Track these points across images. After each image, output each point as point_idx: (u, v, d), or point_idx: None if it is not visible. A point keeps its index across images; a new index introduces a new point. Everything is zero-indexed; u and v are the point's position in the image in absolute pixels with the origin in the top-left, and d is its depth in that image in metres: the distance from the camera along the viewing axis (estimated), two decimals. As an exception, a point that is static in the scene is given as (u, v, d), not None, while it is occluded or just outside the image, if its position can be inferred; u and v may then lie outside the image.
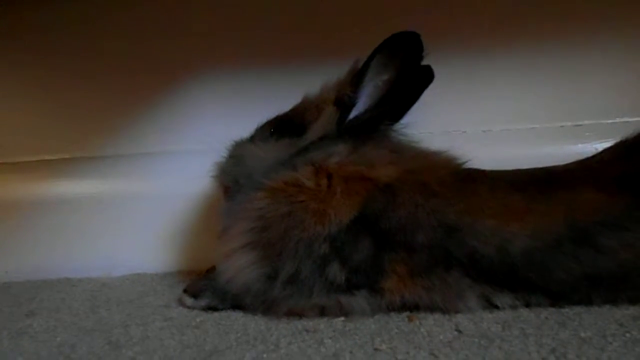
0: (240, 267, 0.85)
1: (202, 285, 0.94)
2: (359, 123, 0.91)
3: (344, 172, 0.86)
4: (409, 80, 0.92)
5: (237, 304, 0.88)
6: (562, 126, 1.13)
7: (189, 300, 0.93)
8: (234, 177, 0.94)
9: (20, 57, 1.27)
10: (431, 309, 0.81)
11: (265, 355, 0.71)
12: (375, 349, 0.71)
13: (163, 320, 0.88)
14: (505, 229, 0.77)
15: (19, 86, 1.29)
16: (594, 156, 0.90)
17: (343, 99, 0.91)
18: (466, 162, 0.91)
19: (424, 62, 0.93)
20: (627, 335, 0.69)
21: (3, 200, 1.26)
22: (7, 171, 1.29)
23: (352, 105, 0.90)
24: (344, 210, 0.82)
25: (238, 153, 0.96)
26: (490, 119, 1.14)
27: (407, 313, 0.82)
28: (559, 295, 0.79)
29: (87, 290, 1.10)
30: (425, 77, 0.96)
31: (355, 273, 0.81)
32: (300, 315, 0.83)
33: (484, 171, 0.88)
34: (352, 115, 0.91)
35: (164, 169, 1.22)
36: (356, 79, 0.90)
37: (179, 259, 1.20)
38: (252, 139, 0.97)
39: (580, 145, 1.09)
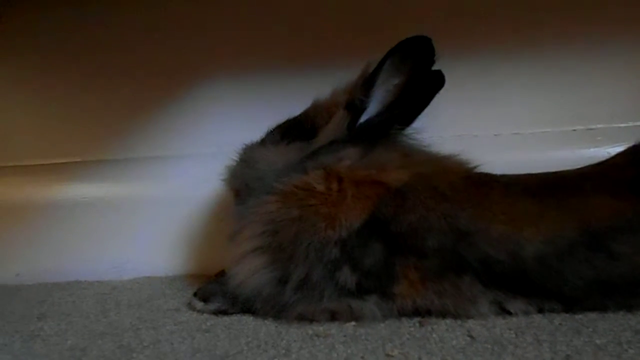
0: (250, 271, 0.85)
1: (212, 289, 0.94)
2: (370, 127, 0.90)
3: (355, 176, 0.86)
4: (420, 85, 0.92)
5: (247, 308, 0.88)
6: (574, 130, 1.12)
7: (199, 304, 0.93)
8: (244, 181, 0.94)
9: (31, 60, 1.28)
10: (443, 314, 0.80)
11: (276, 360, 0.71)
12: (387, 355, 0.70)
13: (173, 324, 0.88)
14: (517, 234, 0.77)
15: (30, 90, 1.30)
16: (606, 160, 0.89)
17: (354, 102, 0.90)
18: (477, 166, 0.90)
19: (435, 67, 0.93)
20: (643, 342, 0.69)
21: (14, 203, 1.27)
22: (18, 174, 1.30)
23: (363, 109, 0.90)
24: (355, 214, 0.82)
25: (249, 157, 0.96)
26: (502, 123, 1.14)
27: (419, 318, 0.81)
28: (573, 301, 0.78)
29: (98, 293, 1.11)
30: (436, 82, 0.96)
31: (366, 277, 0.81)
32: (311, 319, 0.83)
33: (495, 175, 0.87)
34: (363, 119, 0.91)
35: (175, 172, 1.22)
36: (367, 83, 0.89)
37: (189, 263, 1.20)
38: (262, 142, 0.97)
39: (592, 149, 1.08)
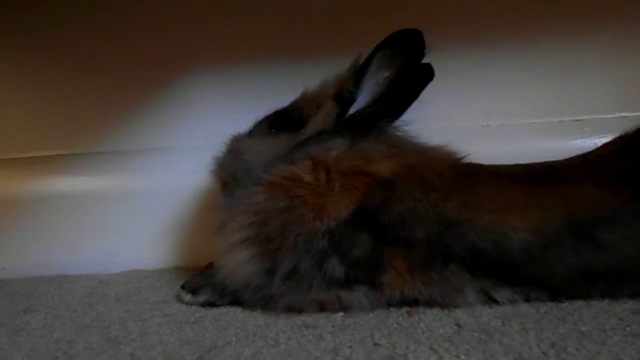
0: (238, 263, 0.84)
1: (201, 281, 0.94)
2: (359, 118, 0.90)
3: (343, 166, 0.86)
4: (410, 78, 0.92)
5: (235, 300, 0.88)
6: (561, 121, 1.13)
7: (187, 297, 0.93)
8: (232, 172, 0.93)
9: (18, 53, 1.26)
10: (430, 303, 0.81)
11: (264, 351, 0.71)
12: (375, 344, 0.71)
13: (161, 316, 0.88)
14: (504, 224, 0.77)
15: (17, 83, 1.29)
16: (593, 151, 0.90)
17: (343, 94, 0.90)
18: (465, 157, 0.90)
19: (424, 60, 0.93)
20: (627, 329, 0.69)
21: (0, 196, 1.25)
22: (4, 167, 1.29)
23: (352, 100, 0.90)
24: (343, 205, 0.82)
25: (236, 148, 0.95)
26: (489, 114, 1.14)
27: (407, 308, 0.82)
28: (559, 290, 0.79)
29: (85, 286, 1.10)
30: (425, 75, 0.96)
31: (354, 268, 0.81)
32: (299, 310, 0.83)
33: (483, 166, 0.88)
34: (352, 111, 0.91)
35: (162, 164, 1.21)
36: (357, 74, 0.89)
37: (177, 255, 1.20)
38: (250, 133, 0.96)
39: (579, 140, 1.09)
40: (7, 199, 1.25)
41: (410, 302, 0.81)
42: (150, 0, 1.20)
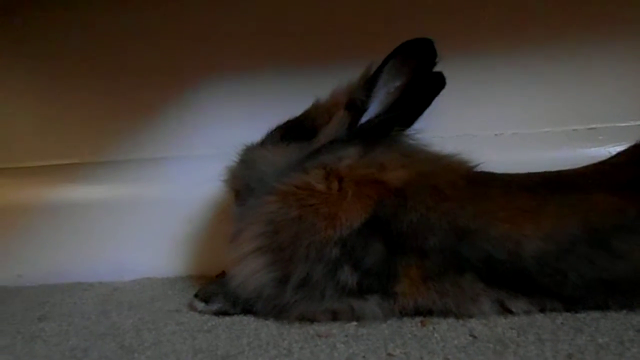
0: (251, 272, 0.85)
1: (213, 290, 0.94)
2: (370, 127, 0.90)
3: (355, 175, 0.86)
4: (421, 87, 0.92)
5: (248, 309, 0.88)
6: (574, 130, 1.12)
7: (200, 305, 0.93)
8: (244, 181, 0.94)
9: (31, 61, 1.28)
10: (444, 313, 0.80)
11: (277, 360, 0.71)
12: (389, 354, 0.70)
13: (175, 324, 0.88)
14: (518, 233, 0.77)
15: (30, 92, 1.31)
16: (607, 159, 0.89)
17: (355, 103, 0.91)
18: (478, 165, 0.90)
19: (436, 69, 0.93)
20: (645, 341, 0.68)
21: (15, 204, 1.27)
22: (19, 176, 1.30)
23: (364, 109, 0.90)
24: (355, 214, 0.82)
25: (249, 157, 0.96)
26: (502, 123, 1.13)
27: (420, 318, 0.81)
28: (574, 300, 0.78)
29: (99, 294, 1.11)
30: (437, 84, 0.96)
31: (367, 277, 0.80)
32: (312, 320, 0.83)
33: (495, 174, 0.87)
34: (364, 120, 0.91)
35: (175, 173, 1.22)
36: (369, 83, 0.90)
37: (190, 264, 1.20)
38: (263, 143, 0.97)
39: (593, 148, 1.08)
40: (22, 207, 1.27)
41: (424, 312, 0.81)
42: (163, 9, 1.21)
